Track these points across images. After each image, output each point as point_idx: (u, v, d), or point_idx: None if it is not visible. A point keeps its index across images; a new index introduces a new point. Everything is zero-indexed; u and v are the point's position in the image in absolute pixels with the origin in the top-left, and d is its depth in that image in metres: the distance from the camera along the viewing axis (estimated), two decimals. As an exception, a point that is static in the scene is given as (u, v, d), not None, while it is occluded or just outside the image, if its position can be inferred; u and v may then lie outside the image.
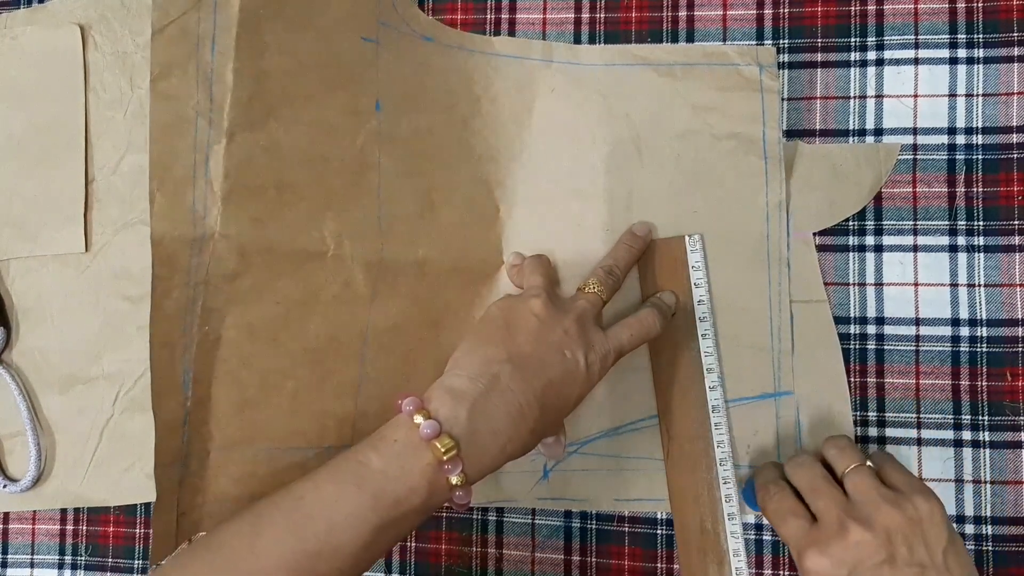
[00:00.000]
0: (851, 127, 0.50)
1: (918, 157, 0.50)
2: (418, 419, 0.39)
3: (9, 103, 0.54)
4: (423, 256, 0.49)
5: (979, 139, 0.49)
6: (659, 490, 0.50)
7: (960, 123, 0.50)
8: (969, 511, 0.48)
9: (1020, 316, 0.49)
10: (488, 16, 0.54)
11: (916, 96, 0.50)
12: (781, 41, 0.51)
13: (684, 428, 0.49)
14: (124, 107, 0.53)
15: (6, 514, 0.55)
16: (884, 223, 0.50)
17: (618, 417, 0.51)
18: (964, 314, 0.49)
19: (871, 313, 0.50)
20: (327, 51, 0.45)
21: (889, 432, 0.49)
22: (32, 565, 0.55)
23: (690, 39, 0.52)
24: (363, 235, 0.46)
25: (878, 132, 0.50)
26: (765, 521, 0.50)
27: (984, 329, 0.49)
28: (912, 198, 0.50)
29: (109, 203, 0.53)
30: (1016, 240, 0.49)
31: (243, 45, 0.41)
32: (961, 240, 0.49)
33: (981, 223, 0.49)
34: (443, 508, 0.52)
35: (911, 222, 0.50)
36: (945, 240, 0.49)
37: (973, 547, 0.48)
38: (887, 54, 0.50)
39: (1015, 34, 0.49)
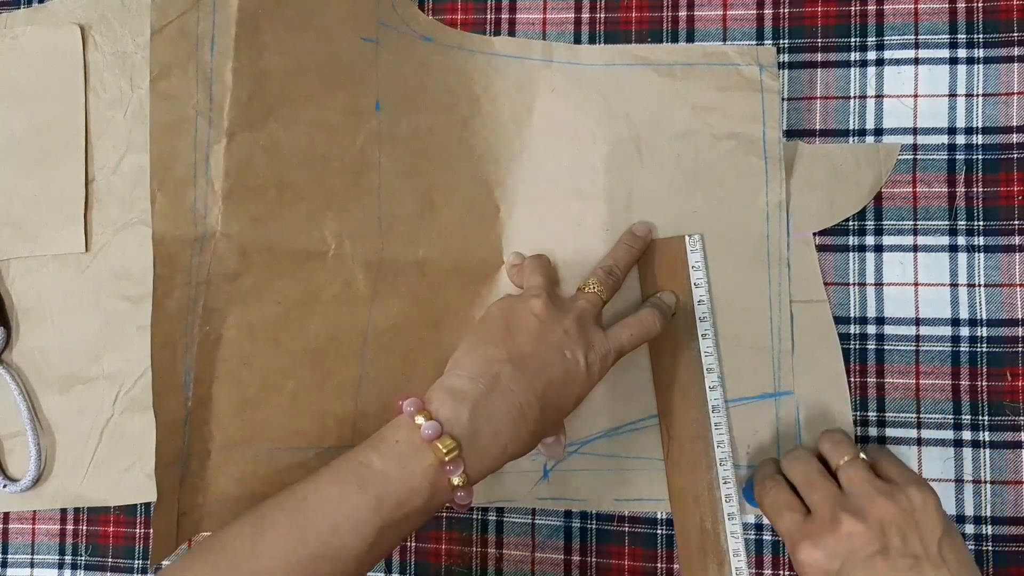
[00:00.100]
0: (851, 127, 0.50)
1: (918, 157, 0.50)
2: (419, 420, 0.39)
3: (9, 103, 0.54)
4: (423, 256, 0.49)
5: (979, 139, 0.49)
6: (659, 490, 0.50)
7: (960, 123, 0.50)
8: (969, 511, 0.48)
9: (1020, 316, 0.49)
10: (488, 16, 0.54)
11: (916, 96, 0.50)
12: (781, 41, 0.51)
13: (684, 428, 0.50)
14: (124, 107, 0.53)
15: (6, 514, 0.55)
16: (884, 223, 0.50)
17: (618, 417, 0.51)
18: (964, 314, 0.49)
19: (871, 313, 0.50)
20: (327, 51, 0.45)
21: (889, 432, 0.49)
22: (32, 565, 0.55)
23: (690, 39, 0.52)
24: (363, 235, 0.46)
25: (878, 132, 0.50)
26: (765, 521, 0.50)
27: (984, 329, 0.49)
28: (912, 198, 0.50)
29: (109, 203, 0.53)
30: (1016, 240, 0.49)
31: (242, 45, 0.41)
32: (961, 240, 0.49)
33: (981, 223, 0.49)
34: (444, 508, 0.52)
35: (911, 222, 0.50)
36: (945, 240, 0.49)
37: (973, 547, 0.48)
38: (887, 54, 0.50)
39: (1015, 34, 0.49)
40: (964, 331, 0.49)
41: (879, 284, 0.50)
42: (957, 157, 0.49)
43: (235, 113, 0.41)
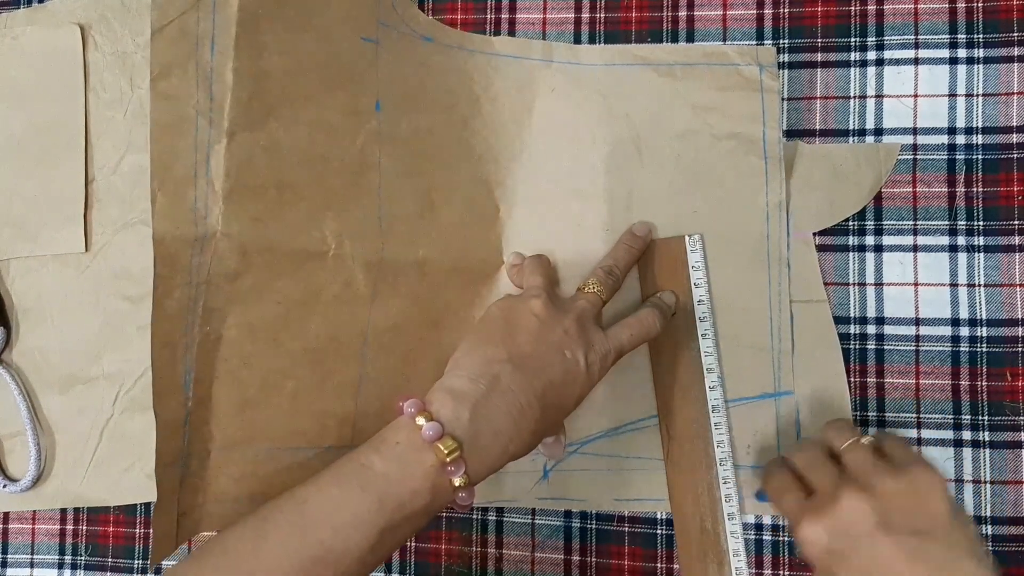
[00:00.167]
0: (851, 127, 0.50)
1: (918, 157, 0.50)
2: (420, 421, 0.39)
3: (9, 103, 0.54)
4: (423, 256, 0.49)
5: (979, 139, 0.49)
6: (659, 490, 0.50)
7: (960, 123, 0.50)
8: (969, 511, 0.48)
9: (1020, 316, 0.49)
10: (488, 16, 0.54)
11: (916, 96, 0.50)
12: (781, 41, 0.51)
13: (684, 428, 0.50)
14: (124, 107, 0.53)
15: (6, 514, 0.55)
16: (884, 223, 0.50)
17: (618, 417, 0.51)
18: (964, 314, 0.49)
19: (871, 313, 0.50)
20: (327, 51, 0.45)
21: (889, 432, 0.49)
22: (32, 565, 0.55)
23: (690, 39, 0.52)
24: (363, 235, 0.46)
25: (878, 132, 0.50)
26: (765, 521, 0.50)
27: (984, 329, 0.49)
28: (912, 198, 0.50)
29: (109, 203, 0.53)
30: (1016, 240, 0.49)
31: (242, 45, 0.41)
32: (961, 240, 0.49)
33: (981, 223, 0.49)
34: (444, 508, 0.52)
35: (911, 222, 0.50)
36: (945, 240, 0.49)
37: (973, 547, 0.48)
38: (887, 54, 0.50)
39: (1015, 34, 0.49)
40: (964, 331, 0.49)
41: (879, 284, 0.50)
42: (957, 157, 0.50)
43: (235, 113, 0.41)
